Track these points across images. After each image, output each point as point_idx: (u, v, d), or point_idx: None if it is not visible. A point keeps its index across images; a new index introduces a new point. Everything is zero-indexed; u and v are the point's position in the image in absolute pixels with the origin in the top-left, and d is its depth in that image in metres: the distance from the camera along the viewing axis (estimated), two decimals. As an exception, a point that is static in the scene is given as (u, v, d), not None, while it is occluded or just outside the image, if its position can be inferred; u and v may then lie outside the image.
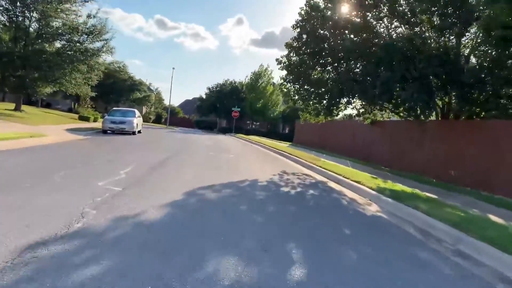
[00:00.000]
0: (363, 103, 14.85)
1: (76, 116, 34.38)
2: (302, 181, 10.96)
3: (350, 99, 14.37)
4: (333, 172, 12.79)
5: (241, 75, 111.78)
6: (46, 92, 28.80)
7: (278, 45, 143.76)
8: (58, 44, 26.96)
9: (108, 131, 23.47)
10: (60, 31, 25.89)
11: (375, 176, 12.22)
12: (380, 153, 18.19)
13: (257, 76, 60.90)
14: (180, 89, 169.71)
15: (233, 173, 10.67)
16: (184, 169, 10.38)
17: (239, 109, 49.36)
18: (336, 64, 13.97)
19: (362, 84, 12.90)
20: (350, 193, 9.65)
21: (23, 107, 31.72)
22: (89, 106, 42.19)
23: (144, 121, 67.33)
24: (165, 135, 28.98)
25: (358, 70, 13.62)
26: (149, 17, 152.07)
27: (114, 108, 26.41)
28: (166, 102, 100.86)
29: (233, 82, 62.55)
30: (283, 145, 27.43)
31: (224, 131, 59.49)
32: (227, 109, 57.46)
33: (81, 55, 26.45)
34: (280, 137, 55.80)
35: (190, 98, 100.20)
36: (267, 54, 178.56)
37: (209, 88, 62.83)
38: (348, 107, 15.13)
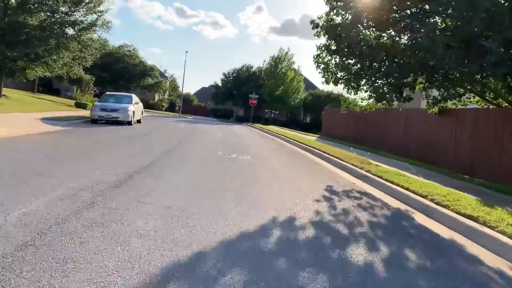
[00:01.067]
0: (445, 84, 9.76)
1: (74, 102, 30.14)
2: (371, 214, 6.12)
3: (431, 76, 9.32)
4: (408, 189, 7.92)
5: (259, 63, 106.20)
6: (34, 75, 24.46)
7: (297, 33, 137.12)
8: (43, 16, 22.47)
9: (99, 121, 19.07)
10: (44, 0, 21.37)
11: (493, 204, 7.25)
12: (450, 154, 13.14)
13: (276, 60, 55.75)
14: (197, 77, 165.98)
15: (247, 202, 5.89)
16: (156, 196, 5.65)
17: (257, 96, 44.45)
18: (412, 22, 8.90)
19: (459, 50, 7.86)
20: (487, 256, 4.78)
21: (11, 92, 27.65)
22: (92, 92, 37.94)
23: (156, 109, 62.77)
24: (170, 125, 24.36)
25: (448, 29, 8.53)
26: (169, 5, 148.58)
27: (107, 93, 21.93)
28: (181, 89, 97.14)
29: (250, 67, 57.52)
30: (311, 139, 22.54)
31: (241, 120, 54.77)
32: (244, 97, 52.61)
33: (69, 29, 21.92)
34: (302, 127, 50.95)
35: (207, 86, 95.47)
36: (287, 42, 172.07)
37: (225, 74, 57.98)
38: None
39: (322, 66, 11.95)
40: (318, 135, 27.29)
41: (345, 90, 12.39)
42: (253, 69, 57.11)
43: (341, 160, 11.98)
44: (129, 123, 19.39)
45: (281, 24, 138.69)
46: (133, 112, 19.76)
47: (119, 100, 20.39)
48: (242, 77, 55.96)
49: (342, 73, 11.44)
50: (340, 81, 11.50)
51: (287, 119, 60.62)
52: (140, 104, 22.48)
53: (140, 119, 22.08)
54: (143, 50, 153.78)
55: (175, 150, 11.25)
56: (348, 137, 22.55)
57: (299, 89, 56.68)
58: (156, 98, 63.16)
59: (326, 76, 12.02)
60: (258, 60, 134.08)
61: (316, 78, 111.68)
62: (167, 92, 74.01)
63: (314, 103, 59.03)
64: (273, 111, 61.43)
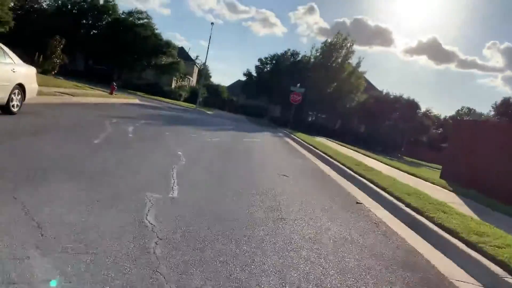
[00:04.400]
0: None
1: None
2: None
3: None
4: None
5: (307, 51, 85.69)
6: None
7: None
8: None
9: None
10: None
11: None
12: None
13: (330, 48, 41.12)
14: (238, 73, 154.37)
15: None
16: None
17: (302, 91, 30.02)
18: None
19: None
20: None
21: None
22: (58, 60, 25.00)
23: (171, 98, 48.68)
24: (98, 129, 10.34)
25: None
26: None
27: None
28: (216, 81, 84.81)
29: (295, 53, 43.01)
30: (440, 197, 8.01)
31: (276, 122, 40.58)
32: (283, 91, 38.52)
33: None
34: (360, 142, 36.08)
35: (244, 79, 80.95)
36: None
37: (261, 60, 43.82)
38: None
39: None
40: (443, 180, 12.16)
41: None
42: (299, 56, 42.59)
43: None
44: None
45: (331, 26, 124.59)
46: None
47: None
48: (283, 65, 41.66)
49: None
50: None
51: (337, 126, 45.78)
52: (20, 66, 8.79)
53: (14, 104, 8.46)
54: (192, 41, 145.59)
55: None
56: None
57: (358, 88, 41.68)
58: (174, 85, 50.02)
59: None
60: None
61: (377, 78, 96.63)
62: (192, 80, 61.03)
63: (375, 109, 43.95)
64: (320, 115, 46.80)
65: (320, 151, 13.05)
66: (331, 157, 11.46)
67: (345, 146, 19.29)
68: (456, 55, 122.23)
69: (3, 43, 8.83)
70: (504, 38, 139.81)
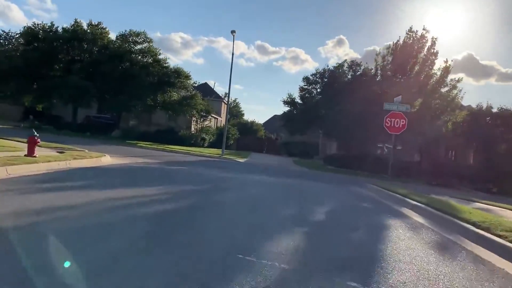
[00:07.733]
0: None
1: None
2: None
3: None
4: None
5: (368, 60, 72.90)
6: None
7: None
8: None
9: None
10: None
11: None
12: None
13: (404, 47, 27.74)
14: (271, 111, 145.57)
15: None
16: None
17: (407, 109, 16.30)
18: None
19: None
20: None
21: None
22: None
23: (190, 145, 27.74)
24: None
25: None
26: (251, 43, 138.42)
27: None
28: (250, 119, 73.35)
29: (355, 63, 29.61)
30: None
31: (337, 163, 27.05)
32: (340, 119, 25.31)
33: None
34: (468, 183, 21.85)
35: (280, 113, 67.60)
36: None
37: (307, 79, 30.54)
38: None
39: None
40: None
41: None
42: (361, 65, 29.26)
43: None
44: None
45: (362, 56, 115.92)
46: None
47: None
48: (338, 83, 28.38)
49: None
50: None
51: (419, 160, 31.53)
52: None
53: None
54: (225, 86, 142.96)
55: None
56: None
57: (454, 103, 27.50)
58: (193, 127, 37.79)
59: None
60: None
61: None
62: (221, 120, 49.12)
63: (477, 131, 29.52)
64: (395, 145, 32.82)
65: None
66: None
67: None
68: (496, 69, 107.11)
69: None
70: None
